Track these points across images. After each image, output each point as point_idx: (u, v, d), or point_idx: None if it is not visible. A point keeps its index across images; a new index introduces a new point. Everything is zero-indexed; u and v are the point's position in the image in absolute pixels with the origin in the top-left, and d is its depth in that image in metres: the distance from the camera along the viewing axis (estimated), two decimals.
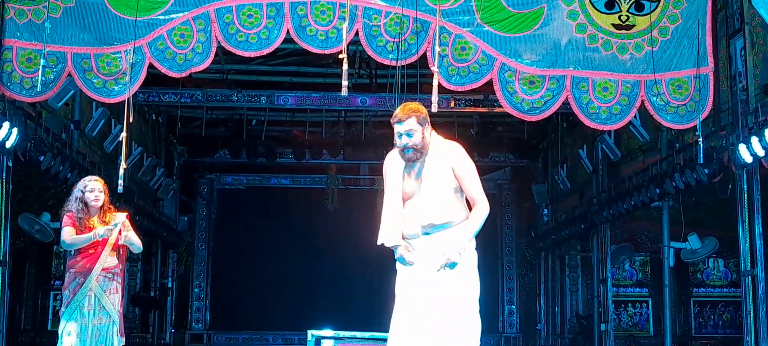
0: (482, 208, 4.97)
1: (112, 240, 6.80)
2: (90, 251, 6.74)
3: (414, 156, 4.97)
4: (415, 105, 5.07)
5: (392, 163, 5.10)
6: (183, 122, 16.16)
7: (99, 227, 6.71)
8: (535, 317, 17.95)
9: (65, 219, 6.77)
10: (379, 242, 5.02)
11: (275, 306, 17.70)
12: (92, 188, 6.81)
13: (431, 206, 4.93)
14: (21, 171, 9.63)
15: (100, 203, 6.81)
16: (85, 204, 6.78)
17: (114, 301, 6.77)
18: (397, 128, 4.98)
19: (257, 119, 16.25)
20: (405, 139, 4.96)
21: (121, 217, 6.89)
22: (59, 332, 6.69)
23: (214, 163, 18.32)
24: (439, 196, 4.95)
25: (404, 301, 4.98)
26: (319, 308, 16.66)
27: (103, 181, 6.99)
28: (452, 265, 4.82)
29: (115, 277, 6.83)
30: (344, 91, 7.21)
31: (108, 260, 6.78)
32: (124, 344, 6.88)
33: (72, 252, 6.75)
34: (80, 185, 6.86)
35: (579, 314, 16.39)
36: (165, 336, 17.37)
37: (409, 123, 4.97)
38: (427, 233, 4.93)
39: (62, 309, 6.73)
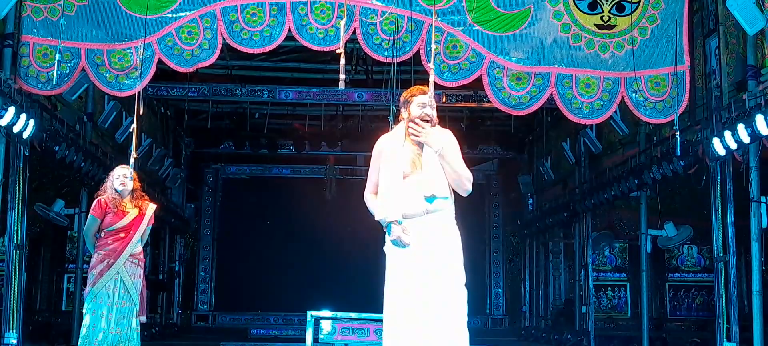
0: (469, 173, 4.99)
1: (143, 226, 6.83)
2: (121, 235, 6.75)
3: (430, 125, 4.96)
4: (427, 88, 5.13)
5: (388, 143, 5.05)
6: (190, 115, 16.12)
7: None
8: (521, 300, 17.99)
9: (95, 206, 6.81)
10: (380, 218, 4.92)
11: (276, 288, 17.71)
12: (118, 174, 6.87)
13: (434, 178, 4.90)
14: (37, 160, 9.61)
15: (128, 187, 6.83)
16: (116, 190, 6.81)
17: (137, 286, 6.78)
18: (422, 99, 4.98)
19: (260, 113, 16.23)
20: (428, 110, 4.97)
21: (152, 207, 6.95)
22: (84, 311, 6.67)
23: (219, 153, 18.29)
24: (440, 173, 4.93)
25: (398, 287, 4.89)
26: (318, 290, 16.66)
27: (134, 170, 7.02)
28: (440, 201, 4.83)
29: (140, 263, 6.85)
30: (342, 85, 7.19)
31: (136, 246, 6.81)
32: (141, 323, 6.91)
33: (103, 233, 6.75)
34: (111, 173, 6.93)
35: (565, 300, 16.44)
36: (173, 316, 17.36)
37: (431, 99, 5.02)
38: (431, 200, 4.86)
39: (88, 288, 6.69)
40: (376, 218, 4.95)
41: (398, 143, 4.98)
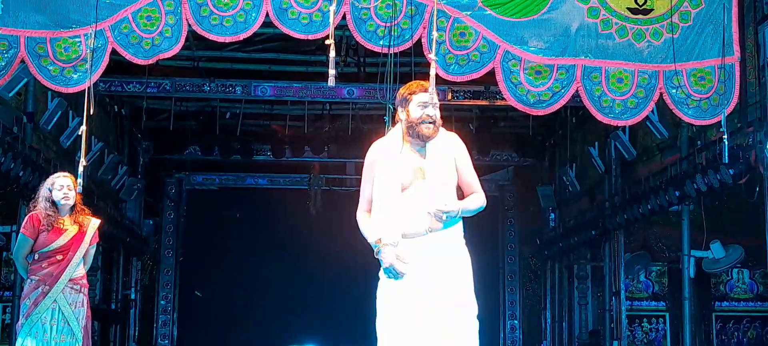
0: (482, 196, 5.01)
1: (85, 246, 6.78)
2: (58, 257, 6.69)
3: (432, 134, 4.94)
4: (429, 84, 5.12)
5: (383, 152, 5.04)
6: (149, 115, 16.10)
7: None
8: (540, 334, 17.99)
9: (26, 222, 6.73)
10: (373, 240, 4.92)
11: (251, 321, 17.68)
12: (61, 185, 6.77)
13: (439, 192, 4.89)
14: None
15: (71, 202, 6.77)
16: (54, 203, 6.73)
17: (79, 316, 6.73)
18: (422, 98, 4.96)
19: (232, 112, 16.24)
20: (431, 111, 4.95)
21: (95, 223, 6.89)
22: None
23: (184, 160, 18.30)
24: (445, 184, 4.93)
25: (395, 320, 4.86)
26: (301, 323, 16.68)
27: (74, 177, 6.95)
28: (448, 222, 4.80)
29: (82, 289, 6.80)
30: (331, 82, 7.19)
31: (77, 269, 6.75)
32: None
33: (36, 256, 6.70)
34: (48, 182, 6.82)
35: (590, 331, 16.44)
36: None
37: (434, 96, 5.01)
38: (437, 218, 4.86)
39: (21, 321, 6.64)
40: (368, 242, 4.95)
41: (395, 150, 4.99)
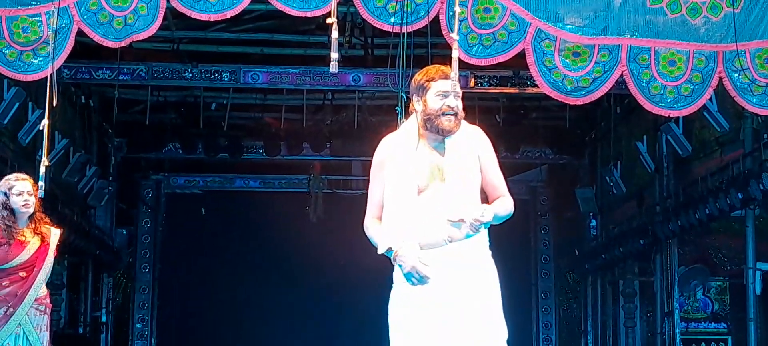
0: (510, 200, 5.00)
1: (50, 261, 6.81)
2: (21, 274, 6.71)
3: (452, 127, 4.93)
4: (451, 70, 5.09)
5: (394, 148, 5.03)
6: (121, 106, 16.13)
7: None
8: None
9: None
10: (384, 249, 4.90)
11: (241, 343, 17.73)
12: (20, 190, 6.76)
13: (460, 196, 4.88)
14: None
15: (30, 210, 6.78)
16: (11, 211, 6.74)
17: (43, 340, 6.77)
18: (443, 86, 4.94)
19: (218, 103, 16.29)
20: (452, 102, 4.94)
21: (57, 233, 6.91)
22: None
23: (162, 159, 18.37)
24: (468, 186, 4.92)
25: (410, 343, 4.87)
26: (299, 344, 16.70)
27: (34, 181, 6.96)
28: (482, 226, 4.78)
29: (46, 310, 6.85)
30: (334, 67, 7.17)
31: (41, 288, 6.79)
32: None
33: None
34: (3, 185, 6.80)
35: None
36: None
37: (457, 85, 5.00)
38: (457, 225, 4.84)
39: None
40: (379, 252, 4.94)
41: (410, 146, 4.98)
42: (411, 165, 4.92)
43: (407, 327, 4.88)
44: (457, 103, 4.95)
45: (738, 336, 16.93)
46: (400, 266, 4.81)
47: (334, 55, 7.10)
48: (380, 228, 4.93)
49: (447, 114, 4.91)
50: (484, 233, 4.97)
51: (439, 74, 4.98)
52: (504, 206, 4.99)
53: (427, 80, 4.98)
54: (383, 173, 5.00)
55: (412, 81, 5.09)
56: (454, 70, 5.09)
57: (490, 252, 5.02)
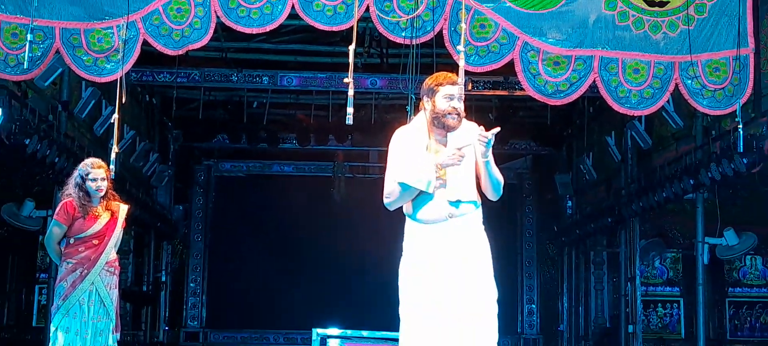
0: (500, 176, 4.99)
1: (118, 231, 6.82)
2: (94, 242, 6.71)
3: (456, 125, 4.92)
4: (457, 76, 5.07)
5: (410, 135, 5.02)
6: (178, 104, 16.16)
7: None
8: (557, 318, 17.95)
9: (60, 210, 6.72)
10: (415, 183, 4.81)
11: (277, 303, 17.72)
12: (95, 176, 6.73)
13: (461, 180, 4.88)
14: (5, 155, 9.67)
15: (102, 193, 6.77)
16: (87, 193, 6.74)
17: (113, 297, 6.77)
18: (449, 90, 4.92)
19: (258, 101, 16.27)
20: (457, 104, 4.93)
21: (124, 209, 6.92)
22: (53, 328, 6.64)
23: (212, 148, 18.34)
24: (467, 172, 4.91)
25: (417, 303, 4.84)
26: (325, 305, 16.69)
27: (106, 166, 6.95)
28: (488, 143, 4.82)
29: (115, 271, 6.85)
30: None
31: (111, 253, 6.80)
32: (118, 340, 6.90)
33: (71, 240, 6.72)
34: (82, 169, 6.78)
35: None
36: (158, 334, 17.44)
37: (461, 88, 4.98)
38: (456, 205, 4.83)
39: (58, 303, 6.64)
40: (417, 186, 4.85)
41: (422, 143, 4.96)
42: (421, 149, 4.93)
43: (415, 289, 4.88)
44: (461, 106, 4.95)
45: (688, 298, 16.90)
46: (427, 186, 4.80)
47: (350, 110, 7.02)
48: (405, 177, 4.88)
49: (452, 114, 4.91)
50: (479, 212, 4.96)
51: (447, 80, 4.97)
52: (497, 169, 4.97)
53: (436, 85, 4.97)
54: (399, 152, 4.98)
55: (423, 84, 5.06)
56: (460, 77, 5.08)
57: (483, 227, 5.01)
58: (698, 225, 11.74)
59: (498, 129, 4.86)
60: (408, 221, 4.99)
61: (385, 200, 4.98)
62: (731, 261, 16.88)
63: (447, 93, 4.92)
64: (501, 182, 4.97)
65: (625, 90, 9.09)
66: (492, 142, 4.82)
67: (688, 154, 11.76)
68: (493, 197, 4.98)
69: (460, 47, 6.39)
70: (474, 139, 4.88)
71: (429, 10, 8.79)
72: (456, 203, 4.84)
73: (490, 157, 4.90)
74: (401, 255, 4.98)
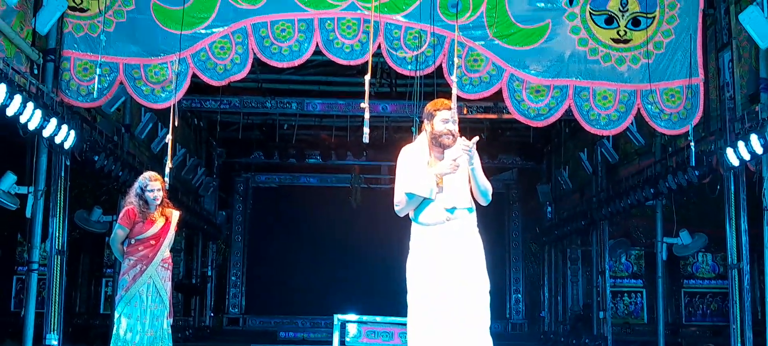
0: (489, 184, 4.95)
1: (172, 233, 6.83)
2: (152, 242, 6.73)
3: (451, 144, 4.91)
4: (451, 102, 5.07)
5: (414, 153, 5.01)
6: (222, 126, 16.22)
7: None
8: (540, 305, 17.90)
9: (123, 216, 6.72)
10: (420, 192, 4.80)
11: (304, 292, 17.73)
12: (152, 188, 6.73)
13: (456, 189, 4.88)
14: (77, 170, 9.71)
15: (158, 202, 6.79)
16: (145, 201, 6.77)
17: (167, 288, 6.79)
18: (445, 115, 4.91)
19: (288, 124, 16.28)
20: (451, 126, 4.92)
21: (176, 215, 6.94)
22: (117, 315, 6.65)
23: (250, 163, 18.38)
24: (461, 182, 4.90)
25: (422, 292, 4.82)
26: (344, 295, 16.66)
27: (162, 178, 6.97)
28: (469, 208, 4.80)
29: (169, 267, 6.86)
30: (366, 138, 7.09)
31: (166, 252, 6.82)
32: (171, 324, 6.92)
33: (132, 241, 6.75)
34: (141, 181, 6.78)
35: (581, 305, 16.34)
36: (205, 319, 17.45)
37: (454, 113, 4.98)
38: (451, 211, 4.83)
39: (121, 293, 6.65)
40: (421, 194, 4.84)
41: (424, 159, 4.97)
42: (423, 165, 4.93)
43: (419, 281, 4.87)
44: (455, 127, 4.94)
45: (650, 289, 16.87)
46: (431, 195, 4.78)
47: (366, 130, 7.02)
48: (410, 187, 4.87)
49: (447, 135, 4.91)
50: (474, 215, 4.95)
51: (443, 106, 4.97)
52: (484, 177, 4.93)
53: (434, 110, 4.97)
54: (404, 168, 4.98)
55: (424, 109, 5.07)
56: (453, 103, 5.08)
57: (477, 229, 5.00)
58: (658, 227, 11.70)
59: (477, 138, 4.85)
60: (413, 224, 4.99)
61: (396, 208, 4.98)
62: (686, 258, 16.84)
63: (443, 117, 4.92)
64: (488, 188, 4.94)
65: (595, 114, 9.07)
66: (473, 150, 4.79)
67: (649, 168, 11.72)
68: (482, 201, 4.96)
69: (453, 77, 6.40)
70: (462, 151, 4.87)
71: (430, 48, 8.80)
72: (451, 209, 4.84)
73: (477, 165, 4.87)
74: (408, 253, 4.98)
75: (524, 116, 9.11)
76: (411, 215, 4.99)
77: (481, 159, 5.02)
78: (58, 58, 8.90)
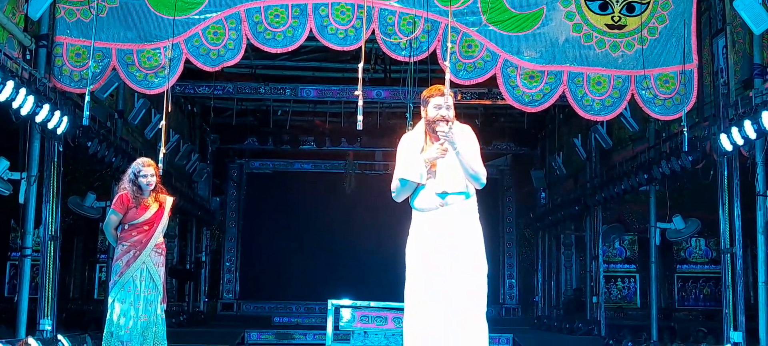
0: (482, 168, 4.94)
1: (165, 219, 6.82)
2: (145, 228, 6.73)
3: (444, 128, 4.92)
4: (445, 88, 5.06)
5: (411, 140, 5.03)
6: (215, 112, 16.19)
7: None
8: (533, 290, 17.96)
9: (117, 201, 6.71)
10: (412, 178, 4.84)
11: (298, 278, 17.76)
12: (145, 173, 6.73)
13: (449, 175, 4.88)
14: (70, 155, 9.68)
15: (152, 187, 6.79)
16: (139, 187, 6.76)
17: (161, 273, 6.79)
18: (438, 101, 4.92)
19: (282, 110, 16.27)
20: (444, 112, 4.92)
21: (170, 200, 6.93)
22: (111, 299, 6.66)
23: (244, 149, 18.36)
24: (454, 168, 4.90)
25: (419, 277, 4.85)
26: (338, 280, 16.69)
27: (155, 164, 6.96)
28: (465, 193, 4.83)
29: (162, 253, 6.86)
30: (359, 125, 7.03)
31: (159, 237, 6.81)
32: (165, 309, 6.92)
33: (126, 226, 6.74)
34: (135, 167, 6.78)
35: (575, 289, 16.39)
36: (199, 305, 17.47)
37: (448, 99, 4.97)
38: (442, 196, 4.84)
39: (115, 279, 6.66)
40: (412, 179, 4.87)
41: (419, 141, 4.98)
42: (417, 151, 4.94)
43: (416, 264, 4.89)
44: (448, 113, 4.93)
45: (643, 274, 16.93)
46: (421, 178, 4.83)
47: (360, 117, 6.97)
48: (402, 173, 4.90)
49: (440, 121, 4.91)
50: (470, 203, 4.95)
51: (436, 92, 4.98)
52: (473, 160, 4.91)
53: (428, 96, 4.99)
54: (401, 155, 5.01)
55: (421, 96, 5.08)
56: (446, 89, 5.07)
57: (476, 215, 5.00)
58: (651, 212, 11.72)
59: (452, 123, 4.86)
60: (413, 210, 5.02)
61: (393, 195, 5.02)
62: (679, 243, 16.89)
63: (436, 103, 4.94)
64: (478, 172, 4.92)
65: (589, 99, 9.07)
66: (450, 134, 4.81)
67: (643, 153, 11.74)
68: (474, 185, 4.95)
69: (446, 63, 6.37)
70: (462, 140, 4.88)
71: (425, 33, 8.78)
72: (443, 195, 4.87)
73: (462, 150, 4.86)
74: (407, 237, 5.00)
75: (518, 102, 9.11)
76: (410, 202, 5.02)
77: (478, 142, 5.03)
78: (51, 43, 8.87)
